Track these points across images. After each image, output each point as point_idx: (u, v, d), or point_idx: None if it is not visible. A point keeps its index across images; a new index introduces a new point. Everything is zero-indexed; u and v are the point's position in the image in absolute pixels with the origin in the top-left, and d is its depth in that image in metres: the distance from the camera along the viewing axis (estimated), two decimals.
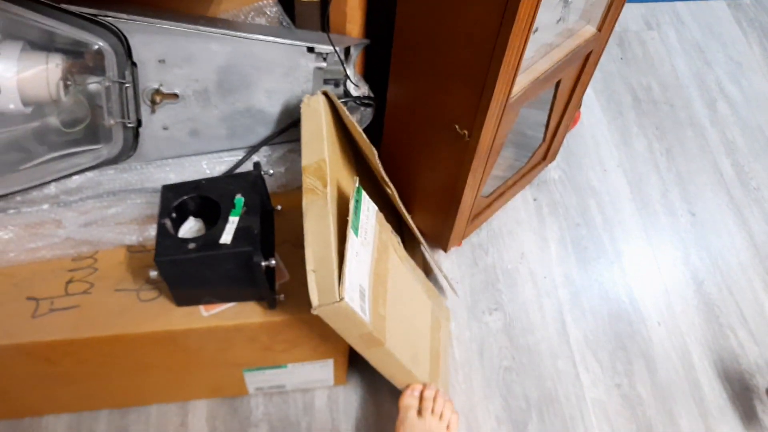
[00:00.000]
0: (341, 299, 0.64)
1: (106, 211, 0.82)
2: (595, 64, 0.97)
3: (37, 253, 0.79)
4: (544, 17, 0.78)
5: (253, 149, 0.84)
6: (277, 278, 0.79)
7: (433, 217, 1.04)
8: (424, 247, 0.96)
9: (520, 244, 1.13)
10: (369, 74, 0.99)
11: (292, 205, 0.77)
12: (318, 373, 0.91)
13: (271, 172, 0.80)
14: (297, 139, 0.81)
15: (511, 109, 0.84)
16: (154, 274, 0.72)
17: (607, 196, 1.20)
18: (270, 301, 0.76)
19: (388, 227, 0.82)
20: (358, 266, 0.69)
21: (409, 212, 1.07)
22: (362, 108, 0.92)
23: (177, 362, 0.83)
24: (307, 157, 0.73)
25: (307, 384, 0.94)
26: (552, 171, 1.22)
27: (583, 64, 0.94)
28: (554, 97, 0.97)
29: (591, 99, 1.34)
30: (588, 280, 1.10)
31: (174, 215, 0.76)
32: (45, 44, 0.77)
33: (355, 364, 0.95)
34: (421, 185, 1.01)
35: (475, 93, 0.77)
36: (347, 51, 0.89)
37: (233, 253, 0.69)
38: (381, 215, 0.80)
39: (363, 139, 0.78)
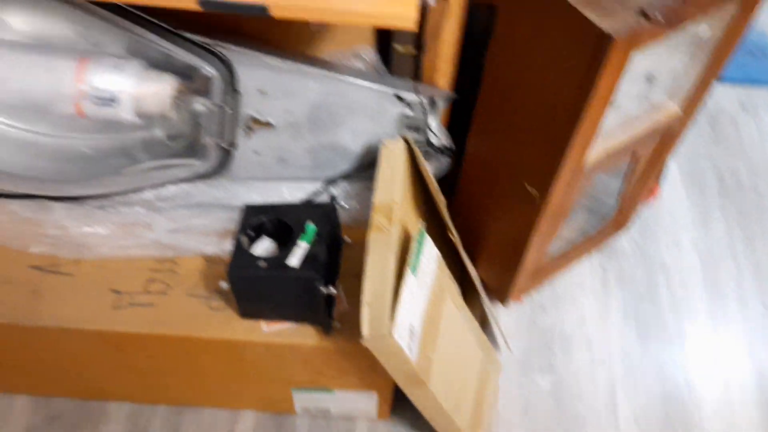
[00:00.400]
0: (390, 335, 0.67)
1: (192, 221, 0.89)
2: (677, 141, 0.97)
3: (127, 250, 0.87)
4: (626, 91, 0.80)
5: (332, 182, 0.90)
6: (336, 306, 0.83)
7: (496, 270, 1.06)
8: (484, 299, 0.98)
9: (581, 309, 1.13)
10: (452, 126, 1.04)
11: (361, 240, 0.82)
12: (362, 404, 0.94)
13: (346, 206, 0.85)
14: (374, 178, 0.86)
15: (585, 176, 0.86)
16: (224, 285, 0.78)
17: (678, 275, 1.18)
18: (326, 327, 0.80)
19: (447, 274, 0.85)
20: (411, 306, 0.73)
21: (473, 262, 1.09)
22: (441, 157, 0.96)
23: (233, 371, 0.88)
24: (379, 197, 0.78)
25: (350, 412, 0.97)
26: (623, 240, 1.22)
27: (663, 139, 0.95)
28: (630, 167, 0.98)
29: (674, 174, 1.33)
30: (646, 357, 1.08)
31: (252, 233, 0.82)
32: (163, 65, 0.86)
33: (399, 401, 0.97)
34: (489, 237, 1.04)
35: (549, 156, 0.80)
36: (433, 101, 0.94)
37: (298, 277, 0.74)
38: (442, 261, 0.83)
39: (434, 187, 0.82)
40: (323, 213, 0.81)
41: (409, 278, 0.72)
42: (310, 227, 0.78)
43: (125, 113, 0.85)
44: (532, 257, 0.98)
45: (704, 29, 0.78)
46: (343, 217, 0.89)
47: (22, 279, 0.84)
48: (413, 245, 0.74)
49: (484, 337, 0.98)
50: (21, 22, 0.88)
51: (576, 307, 1.13)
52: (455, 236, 0.82)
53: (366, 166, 0.91)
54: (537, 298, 1.14)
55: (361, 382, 0.89)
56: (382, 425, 0.99)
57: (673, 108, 0.89)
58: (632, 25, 0.64)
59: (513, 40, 0.79)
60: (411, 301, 0.72)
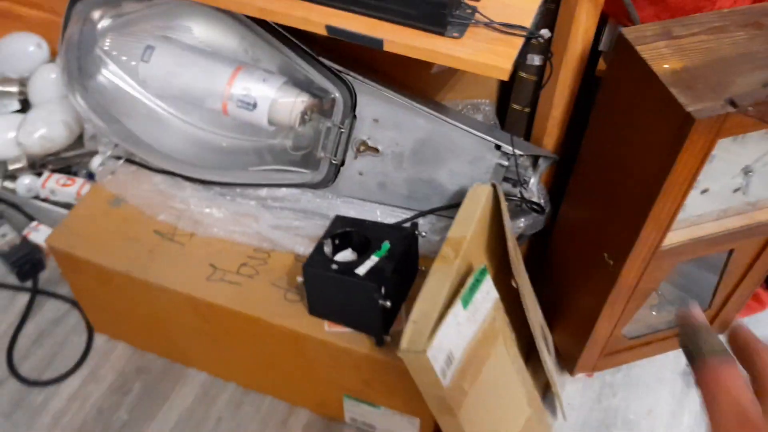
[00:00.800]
0: (424, 351, 0.72)
1: (293, 222, 1.00)
2: None
3: (232, 235, 0.99)
4: (719, 182, 0.80)
5: (421, 213, 0.96)
6: (395, 325, 0.89)
7: (569, 338, 1.07)
8: (545, 360, 0.99)
9: (653, 400, 1.09)
10: (556, 189, 1.07)
11: None
12: (405, 429, 0.98)
13: (424, 234, 0.91)
14: None
15: (665, 257, 0.86)
16: (300, 279, 0.87)
17: None
18: (378, 339, 0.86)
19: (505, 321, 0.88)
20: (455, 335, 0.77)
21: (551, 327, 1.11)
22: (535, 215, 1.00)
23: (294, 363, 0.96)
24: (453, 231, 0.83)
25: None
26: None
27: (766, 242, 0.92)
28: (725, 265, 0.95)
29: None
30: None
31: (336, 241, 0.90)
32: (300, 84, 0.99)
33: None
34: (567, 304, 1.05)
35: (628, 229, 0.81)
36: (536, 160, 0.98)
37: (361, 284, 0.81)
38: (501, 306, 0.86)
39: (509, 235, 0.86)
40: (402, 236, 0.87)
41: (457, 307, 0.76)
42: (385, 245, 0.85)
43: (260, 118, 0.98)
44: (603, 331, 0.98)
45: None
46: (424, 248, 0.96)
47: (144, 239, 0.98)
48: (469, 279, 0.78)
49: (537, 396, 0.99)
50: (200, 31, 1.05)
51: (648, 397, 1.09)
52: (518, 284, 0.85)
53: (455, 206, 0.96)
54: (608, 378, 1.12)
55: (405, 405, 0.93)
56: None
57: None
58: (718, 111, 0.66)
59: (611, 111, 0.82)
60: (455, 330, 0.77)
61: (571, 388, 1.11)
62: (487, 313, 0.83)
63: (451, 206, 0.96)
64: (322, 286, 0.85)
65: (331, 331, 0.89)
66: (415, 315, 0.76)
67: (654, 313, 1.09)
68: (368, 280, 0.81)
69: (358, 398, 0.97)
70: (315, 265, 0.85)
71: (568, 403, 1.09)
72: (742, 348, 0.43)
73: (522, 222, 1.00)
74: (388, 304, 0.81)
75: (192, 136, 1.08)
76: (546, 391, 1.07)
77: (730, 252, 0.93)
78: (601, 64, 0.98)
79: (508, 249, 0.87)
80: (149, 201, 1.02)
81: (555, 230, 1.03)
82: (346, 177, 0.99)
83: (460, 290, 0.78)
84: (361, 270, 0.82)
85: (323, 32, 0.76)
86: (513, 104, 1.03)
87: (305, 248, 0.97)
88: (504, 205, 0.88)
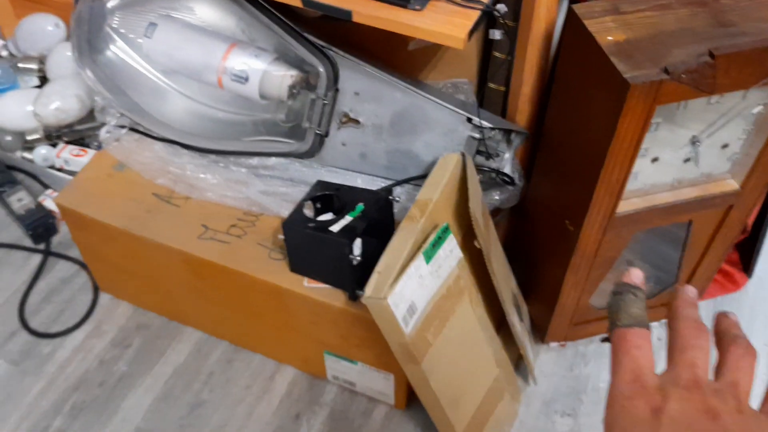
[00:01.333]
0: (385, 298, 0.78)
1: (280, 189, 1.07)
2: (740, 221, 0.98)
3: (224, 199, 1.06)
4: (668, 152, 0.85)
5: (398, 183, 1.03)
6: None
7: (540, 306, 1.12)
8: (515, 324, 1.05)
9: None
10: (533, 166, 1.12)
11: None
12: (381, 386, 1.05)
13: (398, 199, 0.98)
14: None
15: (622, 224, 0.91)
16: (281, 237, 0.94)
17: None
18: (351, 294, 0.92)
19: (472, 282, 0.94)
20: (418, 287, 0.83)
21: (526, 297, 1.16)
22: (509, 187, 1.06)
23: (278, 318, 1.03)
24: (421, 194, 0.90)
25: (372, 392, 1.08)
26: None
27: (724, 215, 0.96)
28: (686, 237, 1.00)
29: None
30: None
31: (318, 205, 0.97)
32: (290, 62, 1.06)
33: (416, 399, 1.06)
34: (537, 275, 1.11)
35: (583, 194, 0.87)
36: (509, 135, 1.04)
37: (333, 240, 0.88)
38: (466, 265, 0.92)
39: (474, 198, 0.92)
40: (376, 200, 0.94)
41: (418, 261, 0.82)
42: (359, 206, 0.92)
43: (252, 91, 1.06)
44: (569, 299, 1.04)
45: (755, 105, 0.82)
46: (401, 215, 1.02)
47: (143, 200, 1.06)
48: (432, 236, 0.84)
49: (506, 358, 1.04)
50: (201, 11, 1.13)
51: None
52: (481, 245, 0.91)
53: (427, 175, 1.03)
54: (582, 349, 1.17)
55: (379, 361, 0.99)
56: (399, 414, 1.08)
57: (730, 183, 0.92)
58: (652, 77, 0.72)
59: (566, 84, 0.88)
60: (417, 282, 0.83)
61: (545, 357, 1.16)
62: (450, 271, 0.89)
63: (425, 176, 1.02)
64: (300, 242, 0.93)
65: (310, 286, 0.96)
66: (379, 267, 0.82)
67: None
68: (341, 237, 0.88)
69: (337, 354, 1.03)
70: (294, 223, 0.92)
71: (541, 370, 1.14)
72: (719, 337, 0.45)
73: (497, 195, 1.06)
74: (359, 258, 0.87)
75: (190, 108, 1.16)
76: (519, 358, 1.13)
77: (690, 223, 0.98)
78: None
79: (471, 214, 0.93)
80: (150, 166, 1.10)
81: (526, 203, 1.09)
82: (330, 147, 1.06)
83: (422, 246, 0.85)
84: (335, 227, 0.89)
85: (299, 4, 0.83)
86: (489, 83, 1.09)
87: (290, 211, 1.04)
88: (471, 171, 0.94)
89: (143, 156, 1.11)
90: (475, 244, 0.90)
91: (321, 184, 0.98)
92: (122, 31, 1.14)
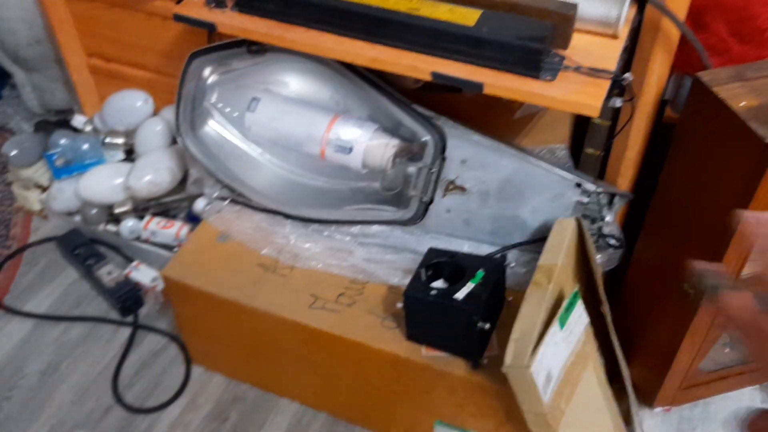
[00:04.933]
0: (528, 366, 0.77)
1: (385, 256, 1.07)
2: None
3: (330, 267, 1.07)
4: None
5: (507, 248, 1.03)
6: (487, 351, 0.95)
7: (647, 371, 1.10)
8: (630, 392, 1.03)
9: None
10: (628, 227, 1.13)
11: (520, 302, 0.93)
12: None
13: (512, 264, 0.98)
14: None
15: (744, 286, 0.91)
16: (399, 305, 0.94)
17: None
18: (474, 362, 0.92)
19: (595, 347, 0.93)
20: (553, 354, 0.82)
21: (627, 361, 1.15)
22: (611, 250, 1.06)
23: (390, 387, 1.02)
24: (543, 259, 0.90)
25: None
26: None
27: None
28: None
29: None
30: None
31: (430, 272, 0.98)
32: (390, 130, 1.08)
33: None
34: (644, 338, 1.09)
35: (708, 258, 0.87)
36: (611, 198, 1.05)
37: (460, 308, 0.88)
38: (591, 331, 0.92)
39: (595, 265, 0.93)
40: (492, 267, 0.94)
41: (554, 328, 0.82)
42: (480, 272, 0.92)
43: (355, 162, 1.08)
44: (683, 363, 1.02)
45: None
46: (510, 279, 1.02)
47: (249, 271, 1.07)
48: (565, 302, 0.84)
49: (620, 424, 1.02)
50: (295, 84, 1.17)
51: None
52: (607, 310, 0.91)
53: (538, 241, 1.03)
54: (687, 413, 1.14)
55: (497, 428, 0.97)
56: None
57: None
58: None
59: (688, 150, 0.89)
60: (553, 349, 0.82)
61: (650, 422, 1.14)
62: (579, 336, 0.89)
63: (537, 240, 1.02)
64: (421, 311, 0.92)
65: (428, 355, 0.95)
66: (515, 334, 0.82)
67: (727, 350, 1.12)
68: (466, 304, 0.87)
69: (449, 424, 1.01)
70: (415, 292, 0.92)
71: None
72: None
73: (599, 258, 1.06)
74: (487, 326, 0.87)
75: (283, 178, 1.18)
76: (626, 424, 1.10)
77: None
78: (668, 112, 1.06)
79: (594, 277, 0.93)
80: (253, 237, 1.12)
81: (631, 265, 1.09)
82: (434, 214, 1.07)
83: (556, 312, 0.84)
84: (460, 295, 0.89)
85: (428, 78, 0.86)
86: (587, 149, 1.11)
87: (399, 279, 1.04)
88: (588, 236, 0.94)
89: (245, 227, 1.12)
90: (602, 310, 0.90)
91: (434, 252, 0.98)
92: (220, 105, 1.17)
